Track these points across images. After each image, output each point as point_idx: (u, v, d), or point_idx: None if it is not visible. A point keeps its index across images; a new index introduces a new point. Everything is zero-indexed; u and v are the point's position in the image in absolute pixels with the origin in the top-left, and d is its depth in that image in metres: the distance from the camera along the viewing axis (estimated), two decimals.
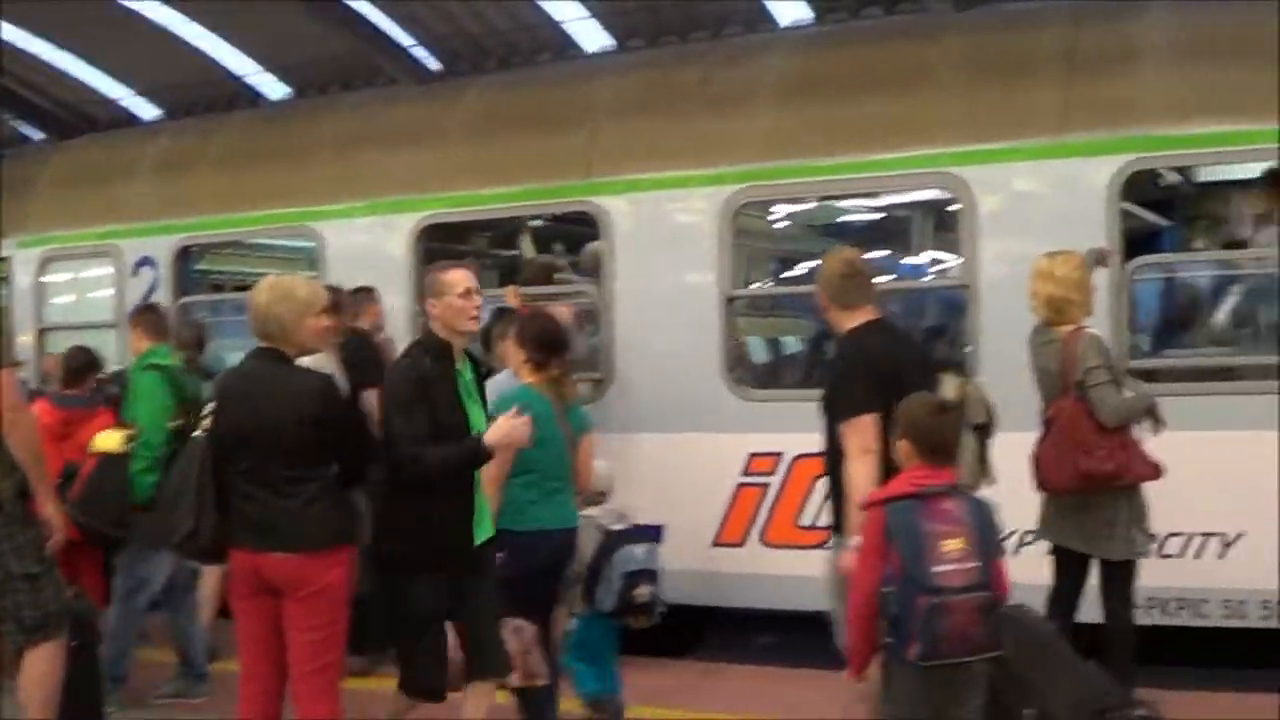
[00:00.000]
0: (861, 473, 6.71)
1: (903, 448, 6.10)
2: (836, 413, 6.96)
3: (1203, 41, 9.59)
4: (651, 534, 8.07)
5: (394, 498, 6.82)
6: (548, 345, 7.80)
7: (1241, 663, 9.28)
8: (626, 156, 10.93)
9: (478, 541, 6.91)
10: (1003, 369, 9.19)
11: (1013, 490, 7.84)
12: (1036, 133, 9.69)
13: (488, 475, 7.14)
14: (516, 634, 7.29)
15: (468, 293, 6.86)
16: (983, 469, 7.34)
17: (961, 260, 9.99)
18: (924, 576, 5.69)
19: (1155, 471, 7.73)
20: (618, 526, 7.92)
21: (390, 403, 6.82)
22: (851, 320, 7.17)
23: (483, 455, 6.75)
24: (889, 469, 6.41)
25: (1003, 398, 8.78)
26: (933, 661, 5.72)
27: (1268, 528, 8.82)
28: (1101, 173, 9.39)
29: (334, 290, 9.69)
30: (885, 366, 6.87)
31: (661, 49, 11.96)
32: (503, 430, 6.75)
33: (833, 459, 7.03)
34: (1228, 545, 8.99)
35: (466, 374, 6.98)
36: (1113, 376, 7.75)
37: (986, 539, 5.91)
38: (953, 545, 5.73)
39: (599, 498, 8.30)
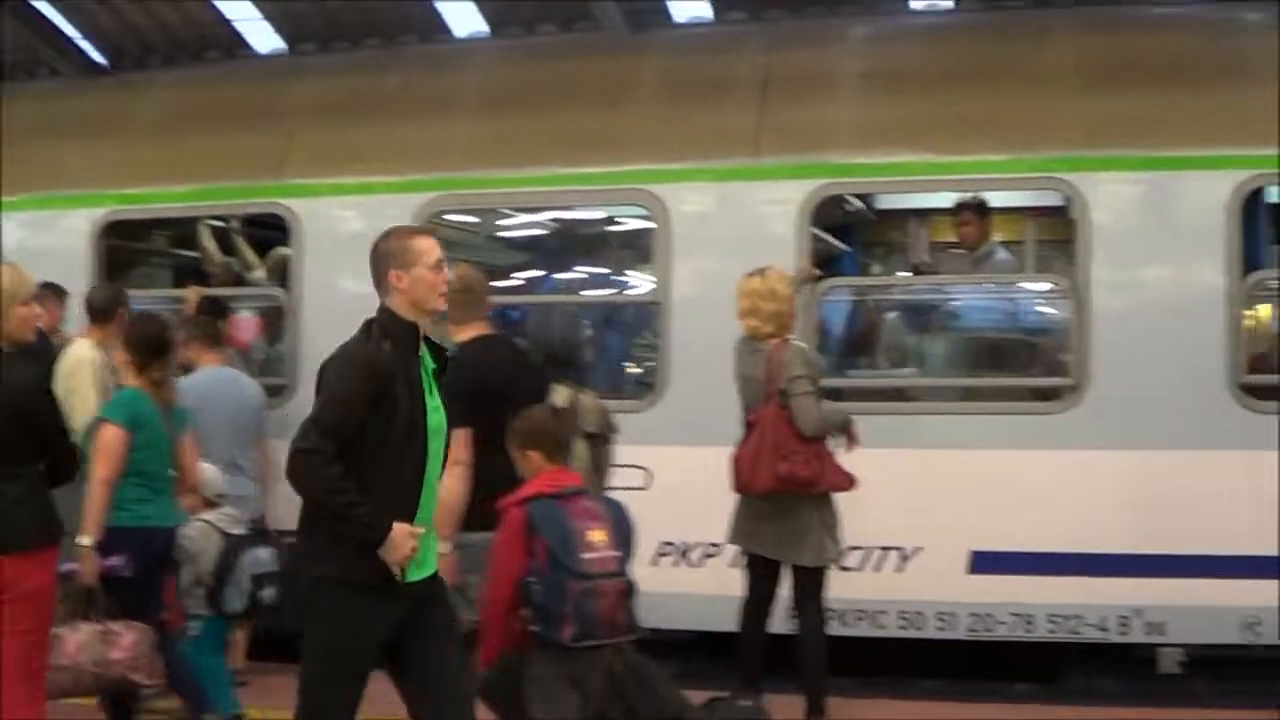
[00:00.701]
0: (449, 482, 6.84)
1: (532, 458, 6.42)
2: None
3: (893, 72, 9.96)
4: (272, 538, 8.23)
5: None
6: (149, 348, 7.76)
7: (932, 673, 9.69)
8: (319, 160, 10.72)
9: (414, 578, 5.66)
10: (693, 384, 9.42)
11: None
12: (731, 154, 9.89)
13: (97, 477, 7.23)
14: (142, 635, 7.22)
15: (439, 265, 5.76)
16: (598, 478, 7.54)
17: (654, 277, 10.10)
18: (574, 564, 6.06)
19: (850, 482, 8.01)
20: (236, 530, 7.99)
21: (325, 384, 5.68)
22: (463, 335, 7.44)
23: (371, 540, 5.45)
24: (497, 479, 6.65)
25: (691, 411, 9.03)
26: (585, 643, 6.04)
27: (943, 542, 9.22)
28: (793, 196, 9.63)
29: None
30: (487, 382, 7.12)
31: (362, 52, 11.73)
32: (395, 547, 5.49)
33: None
34: (905, 559, 9.30)
35: (429, 363, 5.82)
36: (815, 388, 7.99)
37: (624, 532, 6.32)
38: (597, 536, 6.17)
39: (219, 500, 8.25)
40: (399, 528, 5.45)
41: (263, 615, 8.18)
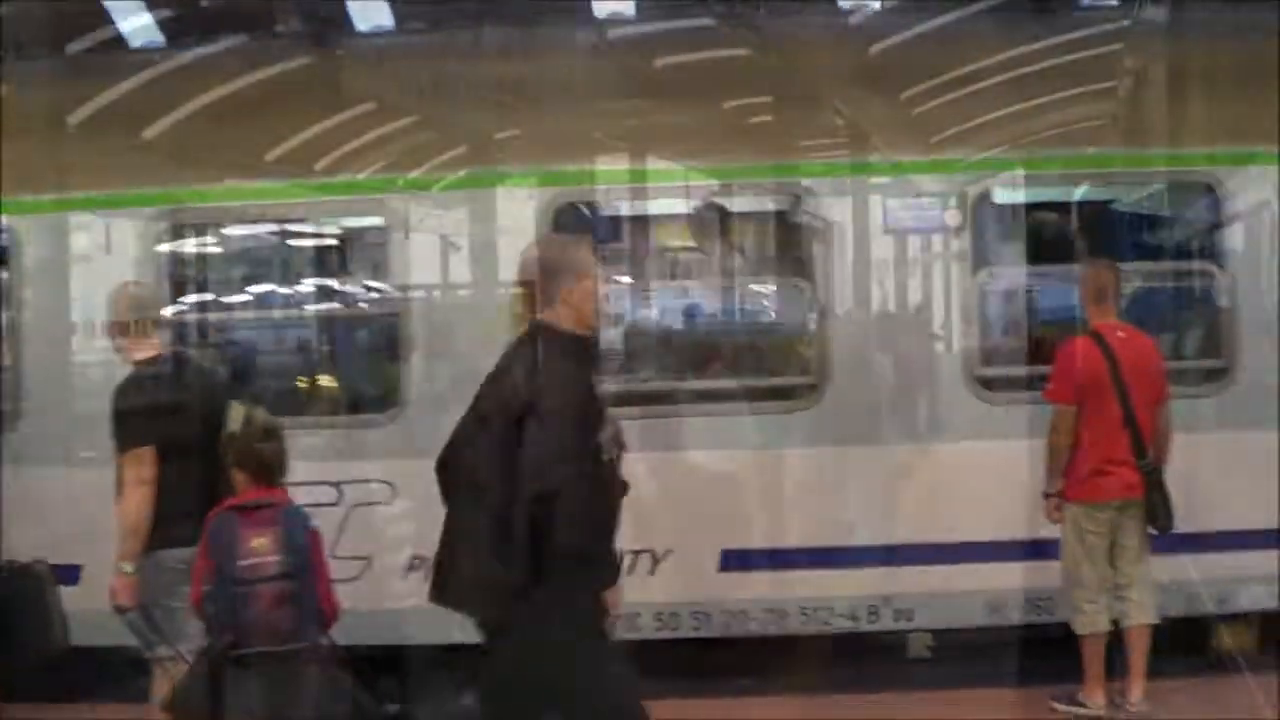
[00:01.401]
0: (134, 502, 7.08)
1: (237, 477, 6.54)
2: (116, 444, 7.22)
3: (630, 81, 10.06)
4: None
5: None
6: None
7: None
8: (40, 172, 10.23)
9: None
10: (435, 396, 9.32)
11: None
12: (469, 163, 9.88)
13: None
14: None
15: (599, 278, 5.54)
16: None
17: (394, 286, 9.98)
18: (232, 570, 6.16)
19: (623, 488, 7.99)
20: None
21: (547, 420, 5.14)
22: (140, 353, 7.48)
23: (610, 579, 5.43)
24: (182, 496, 6.93)
25: (437, 423, 8.99)
26: (245, 650, 6.11)
27: (693, 543, 9.34)
28: (530, 205, 9.62)
29: None
30: (166, 399, 7.26)
31: (85, 57, 11.27)
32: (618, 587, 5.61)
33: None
34: (657, 561, 9.36)
35: None
36: None
37: (296, 540, 6.37)
38: (259, 542, 6.25)
39: None
40: None
41: None
